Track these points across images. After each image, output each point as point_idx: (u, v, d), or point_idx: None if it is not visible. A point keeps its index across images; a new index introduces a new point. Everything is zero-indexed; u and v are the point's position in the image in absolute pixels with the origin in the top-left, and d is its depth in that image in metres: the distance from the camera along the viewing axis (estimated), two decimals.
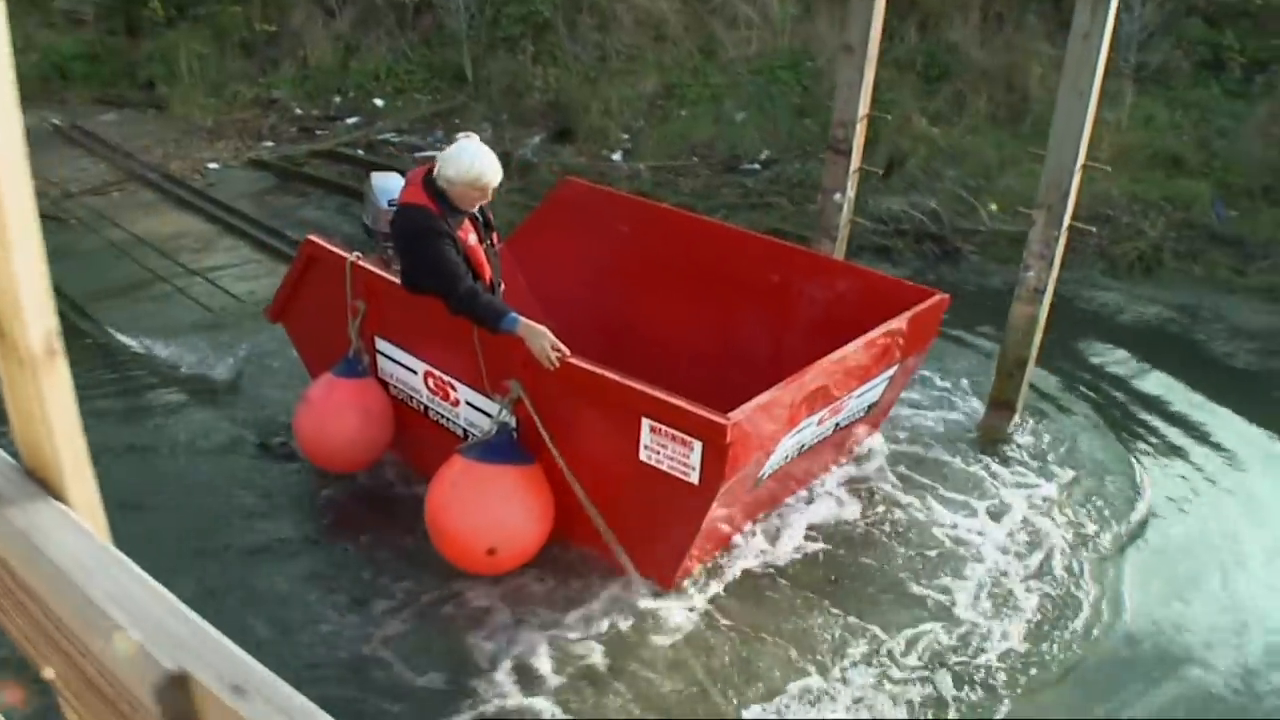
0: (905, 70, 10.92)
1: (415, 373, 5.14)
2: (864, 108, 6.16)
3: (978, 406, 6.25)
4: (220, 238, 9.06)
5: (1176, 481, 5.84)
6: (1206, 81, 10.65)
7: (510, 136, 10.93)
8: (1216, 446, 6.17)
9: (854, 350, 4.74)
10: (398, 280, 4.86)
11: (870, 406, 5.38)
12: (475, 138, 4.68)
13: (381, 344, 5.24)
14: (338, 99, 13.11)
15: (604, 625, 4.54)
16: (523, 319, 4.35)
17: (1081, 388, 6.73)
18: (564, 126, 11.01)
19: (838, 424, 5.12)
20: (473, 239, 4.74)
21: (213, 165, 11.21)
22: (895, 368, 5.23)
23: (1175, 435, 6.28)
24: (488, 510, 4.42)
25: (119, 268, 8.36)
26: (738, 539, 5.01)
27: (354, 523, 5.30)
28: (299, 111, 12.99)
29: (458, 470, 4.52)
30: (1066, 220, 5.67)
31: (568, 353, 4.31)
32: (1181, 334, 7.56)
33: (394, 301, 4.97)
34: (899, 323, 5.00)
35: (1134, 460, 5.94)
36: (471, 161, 4.51)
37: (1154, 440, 6.23)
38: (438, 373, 5.01)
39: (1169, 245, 8.61)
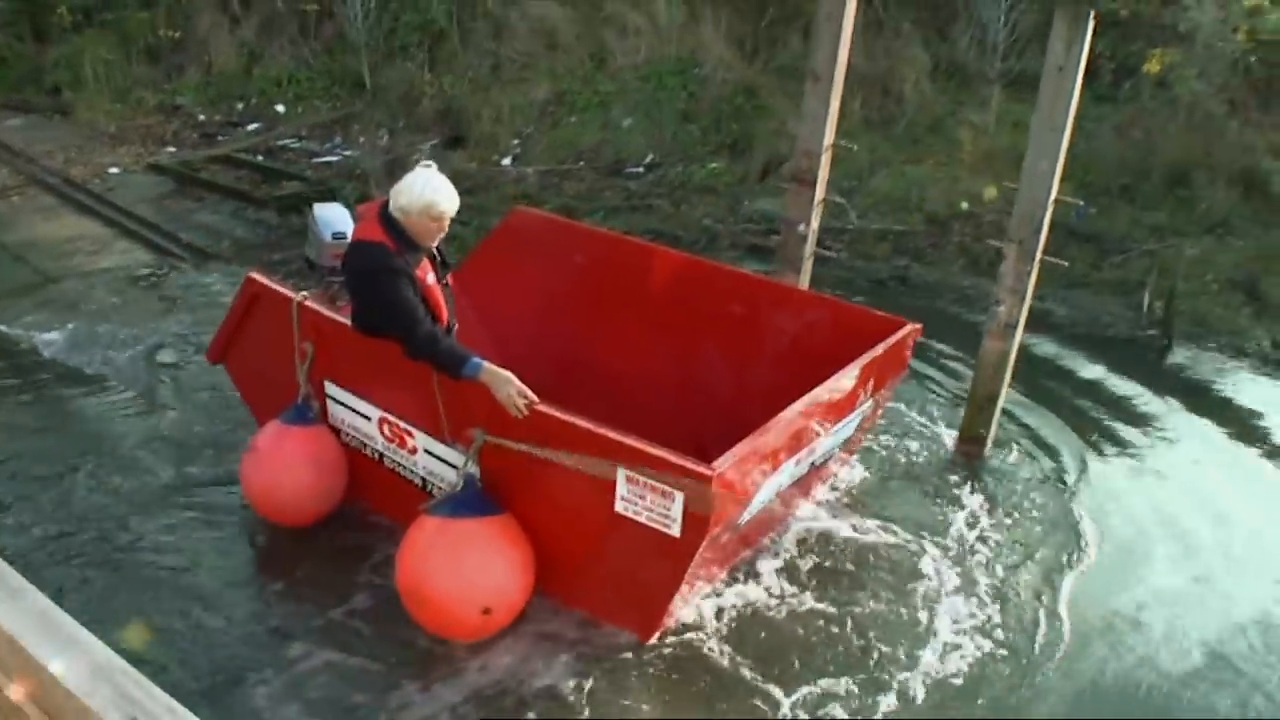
0: (788, 77, 11.42)
1: (370, 419, 4.83)
2: (829, 137, 6.00)
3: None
4: (116, 240, 9.30)
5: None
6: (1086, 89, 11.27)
7: (405, 143, 11.30)
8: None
9: (832, 387, 4.55)
10: (348, 321, 4.64)
11: (845, 440, 5.26)
12: (433, 166, 4.46)
13: (332, 389, 4.93)
14: (241, 105, 13.34)
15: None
16: (486, 364, 4.12)
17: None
18: (457, 133, 11.40)
19: (814, 463, 4.95)
20: (431, 278, 4.46)
21: (114, 170, 11.41)
22: (870, 402, 5.10)
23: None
24: (474, 568, 4.13)
25: (12, 270, 8.57)
26: (707, 588, 4.80)
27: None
28: (202, 117, 13.20)
29: (431, 531, 4.23)
30: (1038, 255, 5.57)
31: (536, 400, 4.09)
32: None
33: (345, 344, 4.69)
34: (874, 356, 4.83)
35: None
36: (423, 189, 4.26)
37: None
38: (394, 419, 4.72)
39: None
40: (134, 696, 0.99)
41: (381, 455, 4.89)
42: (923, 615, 4.74)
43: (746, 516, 4.42)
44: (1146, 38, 10.73)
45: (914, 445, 6.19)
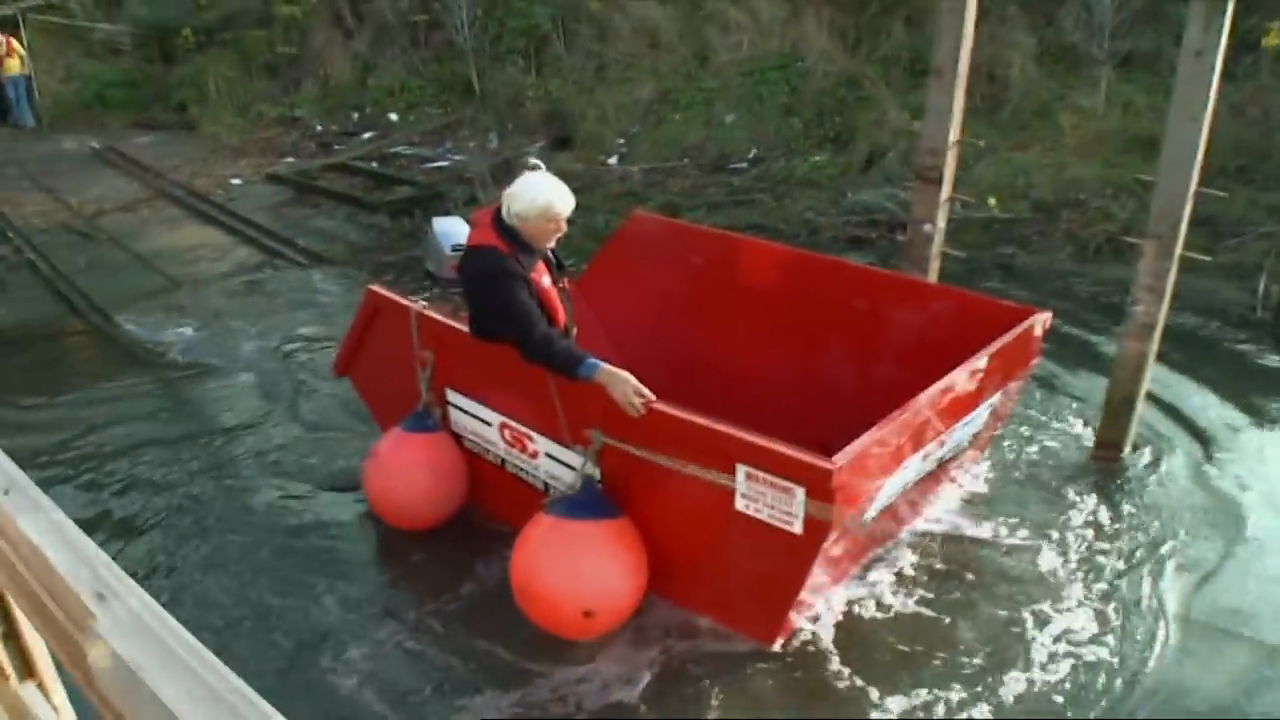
0: (892, 66, 11.33)
1: (490, 425, 4.86)
2: (955, 133, 5.78)
3: None
4: (236, 247, 9.68)
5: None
6: None
7: (512, 145, 11.52)
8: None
9: (957, 379, 4.38)
10: (466, 328, 4.65)
11: (975, 435, 5.07)
12: (542, 167, 4.42)
13: (453, 396, 4.98)
14: (356, 115, 13.79)
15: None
16: (603, 364, 4.06)
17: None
18: (563, 134, 11.56)
19: (941, 458, 4.80)
20: (546, 280, 4.42)
21: (235, 181, 11.89)
22: (999, 394, 4.92)
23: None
24: (581, 570, 4.12)
25: (141, 277, 8.99)
26: (838, 588, 4.63)
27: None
28: (319, 128, 13.69)
29: (545, 529, 4.25)
30: (1178, 250, 5.25)
31: (653, 398, 4.03)
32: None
33: (463, 351, 4.72)
34: (1002, 345, 4.64)
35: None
36: (538, 192, 4.21)
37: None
38: (514, 424, 4.72)
39: (1139, 227, 8.91)
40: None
41: (504, 460, 4.90)
42: (1031, 624, 4.50)
43: (872, 514, 4.30)
44: (1266, 10, 10.34)
45: (1035, 446, 5.93)
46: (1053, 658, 4.28)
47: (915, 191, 6.08)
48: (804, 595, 4.17)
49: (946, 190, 5.88)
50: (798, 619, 4.36)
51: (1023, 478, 5.57)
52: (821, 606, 4.47)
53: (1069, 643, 4.35)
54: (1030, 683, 4.14)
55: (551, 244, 4.40)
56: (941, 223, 5.96)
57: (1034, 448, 5.86)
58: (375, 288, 5.20)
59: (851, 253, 8.48)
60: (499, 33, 12.91)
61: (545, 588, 4.15)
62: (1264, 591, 4.69)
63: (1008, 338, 4.68)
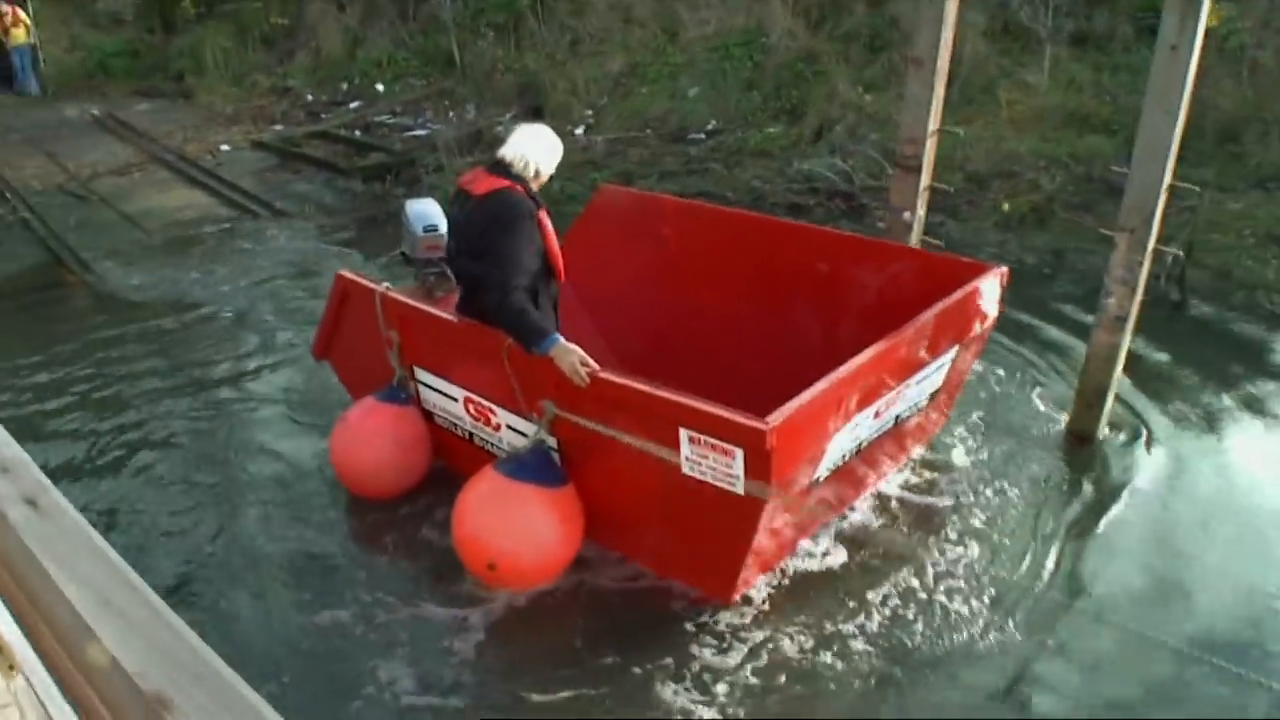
0: (852, 42, 11.80)
1: (456, 400, 5.02)
2: (934, 123, 5.80)
3: None
4: (218, 208, 10.28)
5: None
6: (1150, 43, 11.35)
7: (488, 116, 12.06)
8: None
9: (903, 336, 4.43)
10: (430, 310, 4.91)
11: (934, 394, 5.11)
12: (534, 126, 4.72)
13: (421, 374, 5.14)
14: (345, 86, 14.34)
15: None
16: (560, 341, 4.19)
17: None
18: (535, 105, 12.09)
19: (898, 416, 4.85)
20: (549, 224, 4.61)
21: (224, 147, 12.48)
22: (955, 349, 4.95)
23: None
24: (497, 525, 4.34)
25: (127, 233, 9.61)
26: (804, 544, 4.74)
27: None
28: (310, 98, 14.25)
29: (484, 481, 4.45)
30: (1151, 244, 5.25)
31: (596, 368, 4.14)
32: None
33: (426, 330, 4.94)
34: (951, 302, 4.71)
35: None
36: (553, 140, 4.58)
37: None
38: (476, 398, 4.87)
39: (1063, 198, 9.40)
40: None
41: (471, 434, 5.05)
42: (938, 584, 4.63)
43: (823, 471, 4.35)
44: None
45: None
46: (945, 615, 4.43)
47: (894, 180, 6.13)
48: (758, 552, 4.26)
49: (926, 179, 5.93)
50: (754, 576, 4.44)
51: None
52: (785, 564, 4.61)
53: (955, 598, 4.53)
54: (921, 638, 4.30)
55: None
56: (921, 211, 6.02)
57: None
58: (344, 272, 5.37)
59: (788, 216, 8.99)
60: (480, 7, 13.43)
61: (464, 532, 4.39)
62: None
63: (957, 295, 4.75)
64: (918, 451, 5.48)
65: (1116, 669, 4.18)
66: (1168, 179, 5.11)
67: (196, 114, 14.08)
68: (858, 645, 4.23)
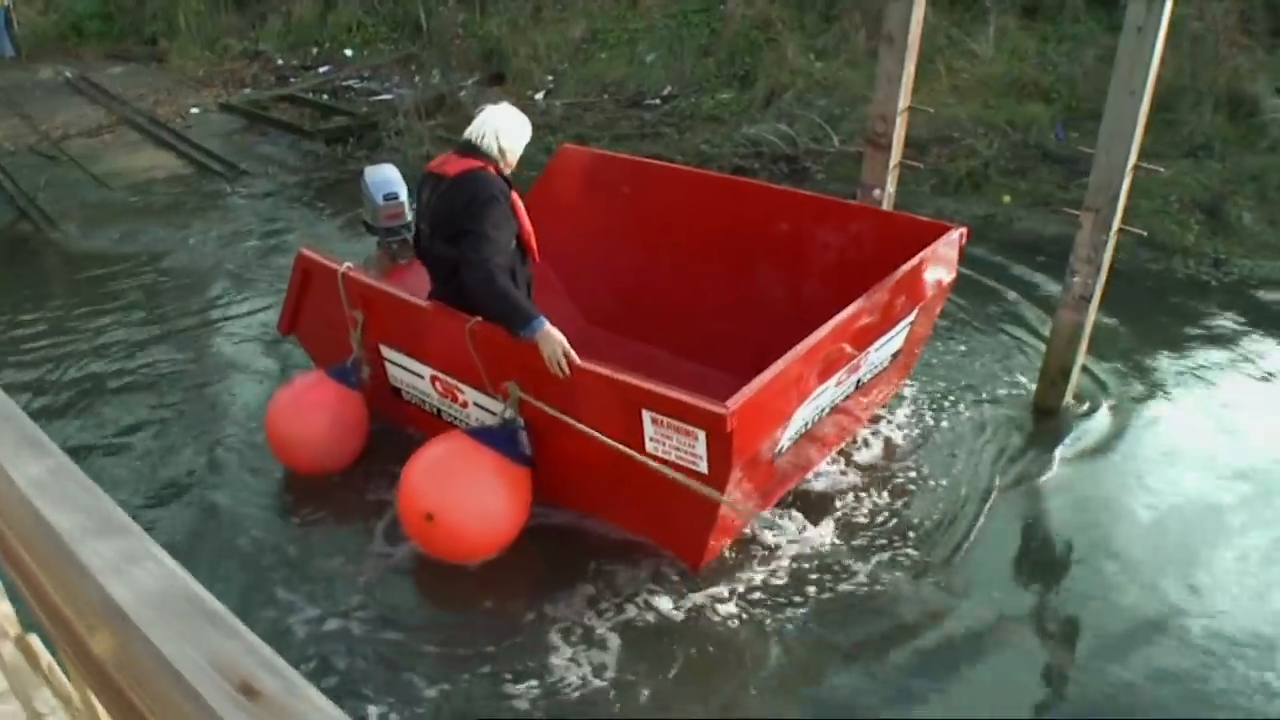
0: (808, 10, 12.09)
1: (423, 378, 5.03)
2: (904, 100, 5.82)
3: None
4: (184, 170, 10.58)
5: None
6: (1099, 15, 11.68)
7: (453, 80, 12.35)
8: None
9: (864, 305, 4.49)
10: (393, 291, 4.94)
11: (894, 354, 5.21)
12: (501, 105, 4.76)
13: (387, 351, 5.14)
14: (315, 50, 14.56)
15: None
16: (548, 326, 4.20)
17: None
18: (498, 71, 12.38)
19: (859, 380, 4.94)
20: (521, 207, 4.66)
21: (194, 110, 12.74)
22: (915, 311, 5.02)
23: None
24: (449, 480, 4.39)
25: (95, 193, 9.92)
26: (767, 512, 4.86)
27: None
28: (280, 62, 14.46)
29: (450, 439, 4.57)
30: (1116, 224, 5.34)
31: (577, 360, 4.17)
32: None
33: (391, 309, 4.93)
34: (910, 266, 4.78)
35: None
36: (523, 121, 4.63)
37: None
38: (444, 376, 4.89)
39: (1000, 164, 9.75)
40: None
41: (439, 410, 5.08)
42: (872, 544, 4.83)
43: (786, 442, 4.48)
44: None
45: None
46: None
47: (866, 157, 6.14)
48: (724, 523, 4.40)
49: (896, 156, 5.96)
50: (721, 545, 4.59)
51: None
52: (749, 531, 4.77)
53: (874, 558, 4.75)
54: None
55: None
56: (891, 188, 6.06)
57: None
58: (306, 251, 5.34)
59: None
60: None
61: (410, 480, 4.43)
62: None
63: (914, 260, 4.80)
64: (879, 410, 5.61)
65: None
66: (1133, 159, 5.19)
67: (168, 77, 14.30)
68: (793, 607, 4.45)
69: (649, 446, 4.12)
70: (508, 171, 4.59)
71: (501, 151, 4.53)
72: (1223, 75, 10.25)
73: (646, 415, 4.04)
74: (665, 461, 4.10)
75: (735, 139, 10.13)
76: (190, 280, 7.77)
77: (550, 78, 12.16)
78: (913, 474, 5.32)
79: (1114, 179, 5.24)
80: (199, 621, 0.87)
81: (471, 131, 4.58)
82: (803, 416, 4.49)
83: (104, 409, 6.00)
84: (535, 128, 10.75)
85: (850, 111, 10.42)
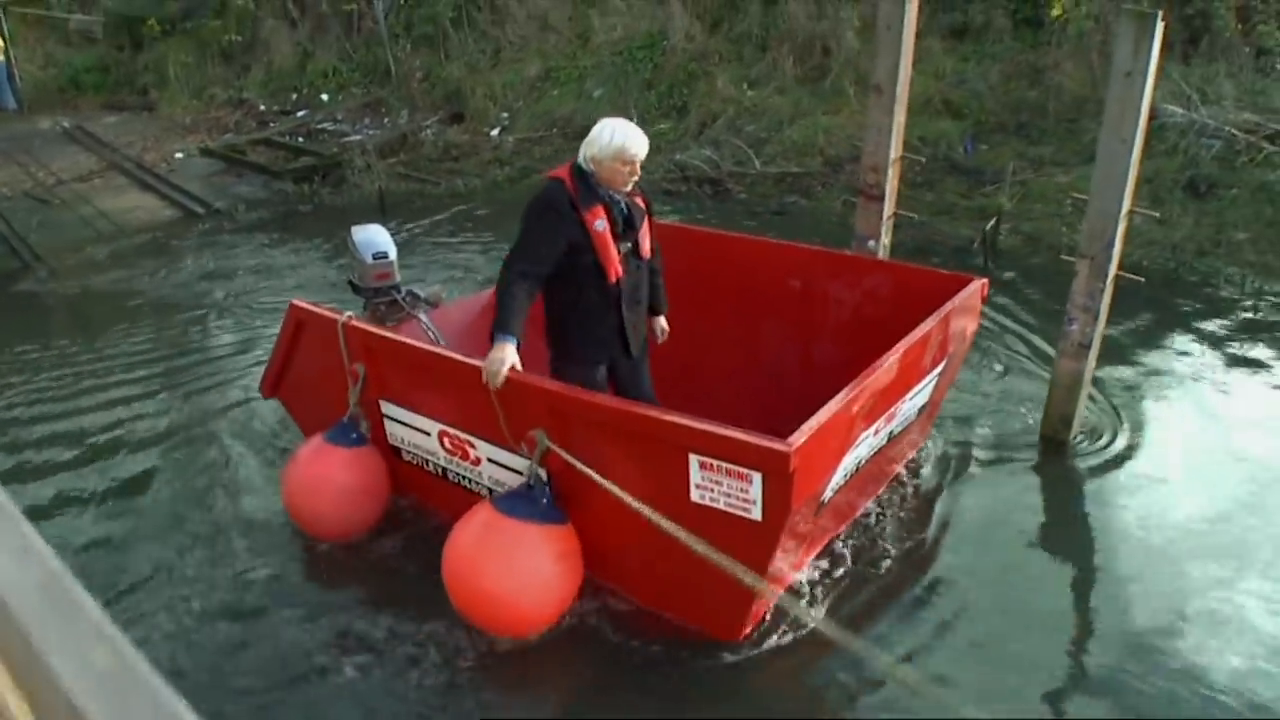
0: (745, 43, 12.96)
1: (429, 434, 4.71)
2: (895, 150, 5.73)
3: None
4: (164, 210, 11.51)
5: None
6: (1024, 35, 12.46)
7: (416, 120, 13.29)
8: None
9: (907, 349, 4.28)
10: (402, 339, 4.73)
11: (921, 408, 5.00)
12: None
13: (387, 407, 4.82)
14: (294, 96, 15.55)
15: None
16: (509, 343, 4.04)
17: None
18: (458, 110, 13.31)
19: (892, 432, 4.70)
20: (601, 225, 4.29)
21: (179, 155, 13.71)
22: (945, 362, 4.85)
23: None
24: (494, 566, 4.05)
25: (81, 232, 10.86)
26: (799, 575, 4.50)
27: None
28: (262, 108, 15.45)
29: (479, 518, 4.18)
30: (1112, 271, 5.22)
31: (507, 375, 3.98)
32: None
33: (396, 360, 4.65)
34: (945, 313, 4.59)
35: None
36: (612, 134, 4.27)
37: None
38: (453, 431, 4.57)
39: (909, 178, 10.53)
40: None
41: (445, 470, 4.78)
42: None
43: (829, 494, 4.19)
44: None
45: None
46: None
47: (859, 208, 6.04)
48: (768, 583, 4.01)
49: (889, 207, 5.85)
50: (763, 607, 4.25)
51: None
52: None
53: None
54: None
55: (628, 187, 4.36)
56: (886, 239, 5.93)
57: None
58: (298, 302, 5.08)
59: (660, 204, 10.15)
60: (411, 20, 14.65)
61: (458, 573, 4.13)
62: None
63: (948, 306, 4.62)
64: (900, 469, 5.35)
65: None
66: (1126, 205, 5.12)
67: (158, 125, 15.29)
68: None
69: (694, 495, 3.78)
70: (618, 185, 4.33)
71: (586, 161, 4.32)
72: None
73: (694, 459, 3.72)
74: (712, 510, 3.76)
75: (666, 165, 10.97)
76: (160, 309, 8.62)
77: (505, 115, 13.07)
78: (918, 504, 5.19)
79: (1108, 227, 5.14)
80: None
81: None
82: (846, 465, 4.23)
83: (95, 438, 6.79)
84: (486, 161, 11.91)
85: (774, 135, 11.26)
